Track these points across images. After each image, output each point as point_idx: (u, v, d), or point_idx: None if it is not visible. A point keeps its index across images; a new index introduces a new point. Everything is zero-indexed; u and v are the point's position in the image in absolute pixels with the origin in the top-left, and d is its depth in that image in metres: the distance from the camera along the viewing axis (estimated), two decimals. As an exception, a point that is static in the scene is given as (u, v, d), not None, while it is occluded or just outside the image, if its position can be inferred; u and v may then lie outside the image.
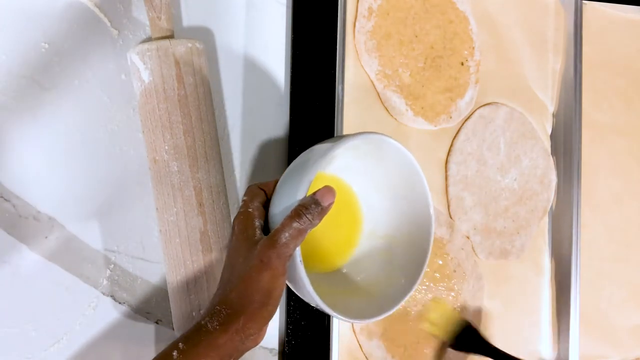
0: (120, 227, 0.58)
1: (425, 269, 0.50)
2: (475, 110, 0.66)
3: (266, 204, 0.46)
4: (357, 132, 0.46)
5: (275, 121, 0.62)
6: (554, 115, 0.70)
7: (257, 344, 0.42)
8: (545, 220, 0.69)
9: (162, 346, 0.58)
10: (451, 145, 0.65)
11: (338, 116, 0.60)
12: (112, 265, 0.57)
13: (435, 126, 0.64)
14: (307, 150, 0.48)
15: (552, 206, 0.70)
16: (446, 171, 0.65)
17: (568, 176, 0.68)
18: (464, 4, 0.66)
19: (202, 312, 0.52)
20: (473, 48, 0.66)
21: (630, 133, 0.73)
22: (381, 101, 0.63)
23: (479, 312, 0.65)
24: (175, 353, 0.40)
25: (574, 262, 0.66)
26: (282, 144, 0.62)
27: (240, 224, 0.44)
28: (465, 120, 0.66)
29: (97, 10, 0.57)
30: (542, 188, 0.69)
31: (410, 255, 0.50)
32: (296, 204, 0.42)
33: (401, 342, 0.62)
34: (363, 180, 0.53)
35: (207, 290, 0.53)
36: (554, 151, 0.70)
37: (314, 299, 0.43)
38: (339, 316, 0.44)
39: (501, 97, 0.68)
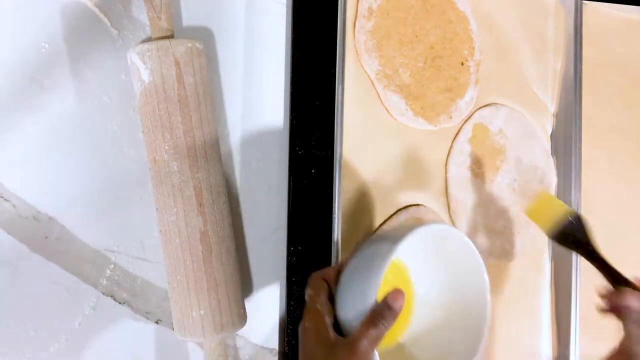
0: (120, 227, 0.58)
1: (483, 346, 0.50)
2: (475, 111, 0.66)
3: (331, 295, 0.48)
4: (416, 225, 0.48)
5: (276, 121, 0.62)
6: (554, 115, 0.70)
7: None
8: (545, 220, 0.69)
9: (162, 346, 0.58)
10: (451, 147, 0.65)
11: (338, 116, 0.60)
12: (112, 265, 0.57)
13: (435, 126, 0.64)
14: (369, 243, 0.50)
15: (552, 206, 0.70)
16: (446, 172, 0.65)
17: (568, 176, 0.68)
18: (463, 4, 0.66)
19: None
20: (473, 48, 0.66)
21: (630, 133, 0.73)
22: (381, 101, 0.63)
23: None
24: None
25: (574, 262, 0.66)
26: (282, 144, 0.62)
27: (311, 322, 0.47)
28: (465, 121, 0.66)
29: (97, 10, 0.57)
30: (542, 188, 0.69)
31: (464, 333, 0.51)
32: (368, 308, 0.44)
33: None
34: (417, 261, 0.54)
35: (207, 291, 0.53)
36: (554, 151, 0.70)
37: None
38: None
39: (501, 97, 0.68)
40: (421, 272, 0.55)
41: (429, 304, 0.54)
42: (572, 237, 0.56)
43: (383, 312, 0.43)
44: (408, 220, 0.63)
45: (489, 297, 0.51)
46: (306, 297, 0.49)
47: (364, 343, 0.42)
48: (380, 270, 0.44)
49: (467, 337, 0.51)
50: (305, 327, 0.47)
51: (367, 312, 0.44)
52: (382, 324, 0.43)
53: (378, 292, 0.44)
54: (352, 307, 0.46)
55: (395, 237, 0.46)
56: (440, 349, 0.51)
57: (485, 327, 0.50)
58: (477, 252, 0.51)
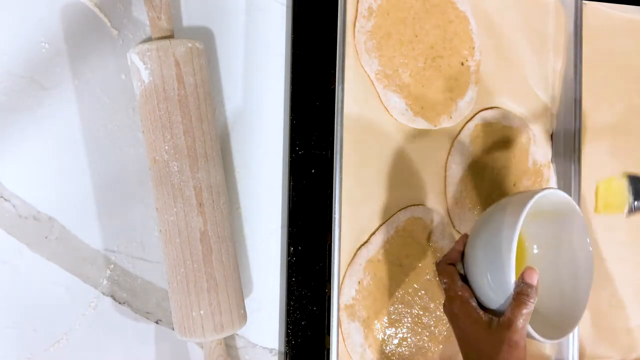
0: (120, 227, 0.58)
1: (588, 298, 0.56)
2: (477, 114, 0.66)
3: (462, 276, 0.54)
4: (529, 196, 0.51)
5: (275, 121, 0.62)
6: (554, 115, 0.70)
7: None
8: (545, 220, 0.69)
9: (162, 346, 0.58)
10: (451, 147, 0.65)
11: (338, 116, 0.60)
12: (112, 265, 0.57)
13: (435, 126, 0.64)
14: (488, 219, 0.53)
15: (552, 206, 0.70)
16: (446, 171, 0.65)
17: (568, 176, 0.68)
18: (464, 4, 0.66)
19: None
20: (473, 48, 0.66)
21: (630, 133, 0.73)
22: (381, 101, 0.63)
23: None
24: None
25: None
26: (282, 144, 0.62)
27: (460, 308, 0.52)
28: (466, 122, 0.66)
29: (97, 10, 0.57)
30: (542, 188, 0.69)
31: (572, 292, 0.57)
32: (510, 288, 0.49)
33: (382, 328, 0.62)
34: (531, 224, 0.58)
35: (207, 291, 0.53)
36: (554, 151, 0.70)
37: (535, 336, 0.51)
38: (537, 337, 0.51)
39: (501, 97, 0.68)
40: (534, 233, 0.59)
41: (541, 262, 0.59)
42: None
43: (527, 291, 0.49)
44: (415, 217, 0.63)
45: (592, 257, 0.56)
46: (443, 286, 0.55)
47: (520, 321, 0.48)
48: (510, 254, 0.49)
49: (574, 295, 0.56)
50: (455, 313, 0.52)
51: (509, 291, 0.49)
52: (530, 301, 0.49)
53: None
54: (491, 288, 0.51)
55: (514, 211, 0.50)
56: (549, 305, 0.56)
57: (589, 288, 0.56)
58: (581, 214, 0.56)
